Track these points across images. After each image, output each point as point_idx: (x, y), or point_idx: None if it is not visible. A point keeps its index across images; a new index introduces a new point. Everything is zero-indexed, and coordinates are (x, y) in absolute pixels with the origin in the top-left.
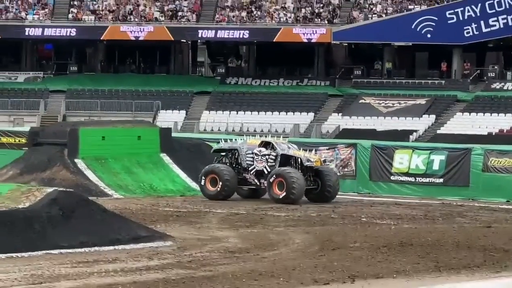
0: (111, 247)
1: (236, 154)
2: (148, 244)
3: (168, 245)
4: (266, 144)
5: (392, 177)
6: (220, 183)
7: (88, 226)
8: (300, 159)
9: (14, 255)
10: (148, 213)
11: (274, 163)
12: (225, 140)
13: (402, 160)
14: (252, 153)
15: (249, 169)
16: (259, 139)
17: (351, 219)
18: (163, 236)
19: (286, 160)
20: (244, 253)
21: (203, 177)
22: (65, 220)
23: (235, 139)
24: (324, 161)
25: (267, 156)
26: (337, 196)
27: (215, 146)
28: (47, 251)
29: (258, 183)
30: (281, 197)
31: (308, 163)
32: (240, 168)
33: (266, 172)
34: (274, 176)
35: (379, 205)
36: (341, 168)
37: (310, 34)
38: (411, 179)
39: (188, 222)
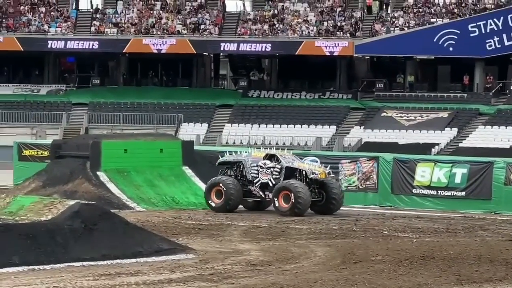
0: (133, 260)
1: (241, 167)
2: (170, 257)
3: (190, 258)
4: (270, 157)
5: (414, 190)
6: (225, 196)
7: (110, 239)
8: (305, 171)
9: (36, 267)
10: (170, 226)
11: (278, 176)
12: (230, 153)
13: (424, 173)
14: (257, 165)
15: (254, 181)
16: (264, 152)
17: (373, 232)
18: (185, 249)
19: (290, 172)
20: (266, 266)
21: (208, 190)
22: (87, 232)
23: (240, 152)
24: (329, 173)
25: (271, 169)
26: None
27: (220, 158)
28: (69, 264)
29: (263, 196)
30: (287, 210)
31: (313, 175)
32: (245, 180)
33: (271, 184)
34: (279, 189)
35: (401, 218)
36: (363, 181)
37: (332, 47)
38: (433, 192)
39: (210, 235)
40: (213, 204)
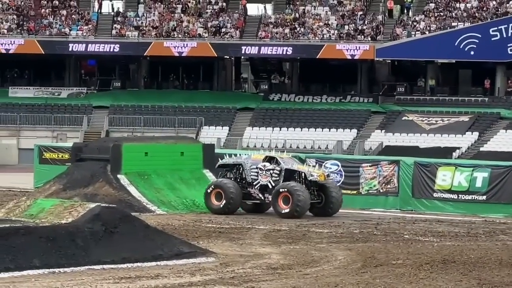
0: (154, 263)
1: (241, 169)
2: (190, 260)
3: (210, 261)
4: (270, 159)
5: (434, 194)
6: (225, 198)
7: (131, 242)
8: (304, 173)
9: (57, 270)
10: (190, 229)
11: (278, 178)
12: (230, 156)
13: (445, 177)
14: (257, 168)
15: (254, 183)
16: (263, 154)
17: (394, 236)
18: (206, 252)
19: (290, 174)
20: (286, 270)
21: (207, 192)
22: (107, 235)
23: (240, 155)
24: (328, 175)
25: (271, 171)
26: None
27: (220, 161)
28: (90, 267)
29: (262, 198)
30: (286, 211)
31: (312, 177)
32: (245, 182)
33: (270, 186)
34: (279, 190)
35: (422, 222)
36: (384, 185)
37: (354, 50)
38: (454, 196)
39: (231, 238)
40: (213, 207)
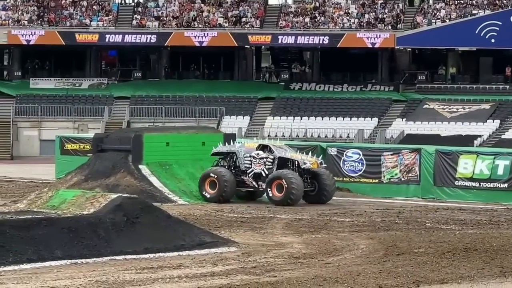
0: (176, 253)
1: (234, 157)
2: (212, 250)
3: (232, 251)
4: (263, 147)
5: (456, 182)
6: (219, 186)
7: (153, 232)
8: (297, 161)
9: (79, 261)
10: (212, 219)
11: (271, 166)
12: (224, 144)
13: (467, 165)
14: (250, 156)
15: (247, 171)
16: (257, 142)
17: (416, 225)
18: (228, 242)
19: (283, 162)
20: (308, 259)
21: (202, 181)
22: (129, 226)
23: (234, 142)
24: (321, 163)
25: (264, 159)
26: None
27: (213, 149)
28: (112, 257)
29: (256, 186)
30: (280, 199)
31: (305, 165)
32: (238, 170)
33: (264, 174)
34: (273, 178)
35: (444, 210)
36: (405, 173)
37: (374, 38)
38: (476, 184)
39: (253, 228)
40: (207, 195)
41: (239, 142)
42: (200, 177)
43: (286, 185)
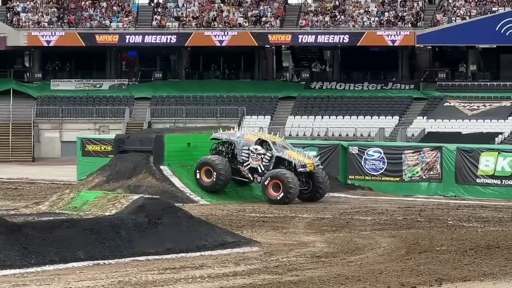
0: (198, 253)
1: (233, 146)
2: (234, 250)
3: (254, 250)
4: (262, 142)
5: (478, 180)
6: (215, 175)
7: (175, 233)
8: (294, 164)
9: (101, 262)
10: (234, 219)
11: (268, 163)
12: (224, 130)
13: (488, 162)
14: (248, 149)
15: (244, 164)
16: (256, 135)
17: (438, 222)
18: (250, 242)
19: (280, 161)
20: (330, 258)
21: (197, 170)
22: (151, 227)
23: (233, 129)
24: (317, 164)
25: (262, 156)
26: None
27: (213, 134)
28: (134, 258)
29: (251, 178)
30: (277, 198)
31: (302, 169)
32: (235, 160)
33: (260, 170)
34: (270, 177)
35: (465, 208)
36: (426, 171)
37: (394, 35)
38: (497, 181)
39: (274, 227)
40: (203, 184)
41: (240, 132)
42: (196, 165)
43: (283, 185)
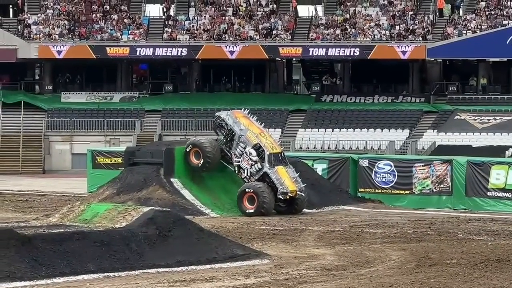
0: (208, 266)
1: (232, 135)
2: (245, 263)
3: (265, 263)
4: (258, 148)
5: (488, 193)
6: (203, 157)
7: (185, 245)
8: (277, 188)
9: (111, 274)
10: (244, 232)
11: (255, 173)
12: (228, 115)
13: (499, 176)
14: (245, 148)
15: (235, 158)
16: (256, 139)
17: (448, 236)
18: (260, 254)
19: (267, 177)
20: (341, 271)
21: (187, 149)
22: (162, 239)
23: (238, 121)
24: (301, 190)
25: (254, 164)
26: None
27: (217, 112)
28: (144, 271)
29: (237, 172)
30: (251, 211)
31: (282, 196)
32: (229, 148)
33: (246, 173)
34: (245, 190)
35: (476, 221)
36: (437, 184)
37: (405, 47)
38: (508, 195)
39: (285, 240)
40: (192, 165)
41: (243, 125)
42: (185, 146)
43: (257, 198)
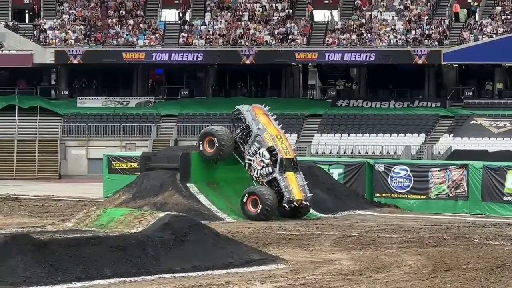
0: (224, 271)
1: (249, 132)
2: (261, 267)
3: (281, 268)
4: (272, 151)
5: (504, 198)
6: (217, 146)
7: (201, 250)
8: (283, 195)
9: (127, 279)
10: (260, 237)
11: (265, 176)
12: (248, 111)
13: None
14: (259, 148)
15: (247, 156)
16: (272, 141)
17: (464, 240)
18: (276, 259)
19: (275, 182)
20: (357, 275)
21: (200, 141)
22: (177, 244)
23: (257, 118)
24: (306, 199)
25: (265, 166)
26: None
27: (237, 106)
28: (160, 276)
29: (246, 167)
30: (255, 214)
31: (286, 204)
32: (243, 142)
33: (256, 173)
34: (247, 194)
35: (492, 226)
36: (453, 189)
37: (421, 51)
38: None
39: (301, 245)
40: (206, 154)
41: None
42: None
43: (261, 202)
